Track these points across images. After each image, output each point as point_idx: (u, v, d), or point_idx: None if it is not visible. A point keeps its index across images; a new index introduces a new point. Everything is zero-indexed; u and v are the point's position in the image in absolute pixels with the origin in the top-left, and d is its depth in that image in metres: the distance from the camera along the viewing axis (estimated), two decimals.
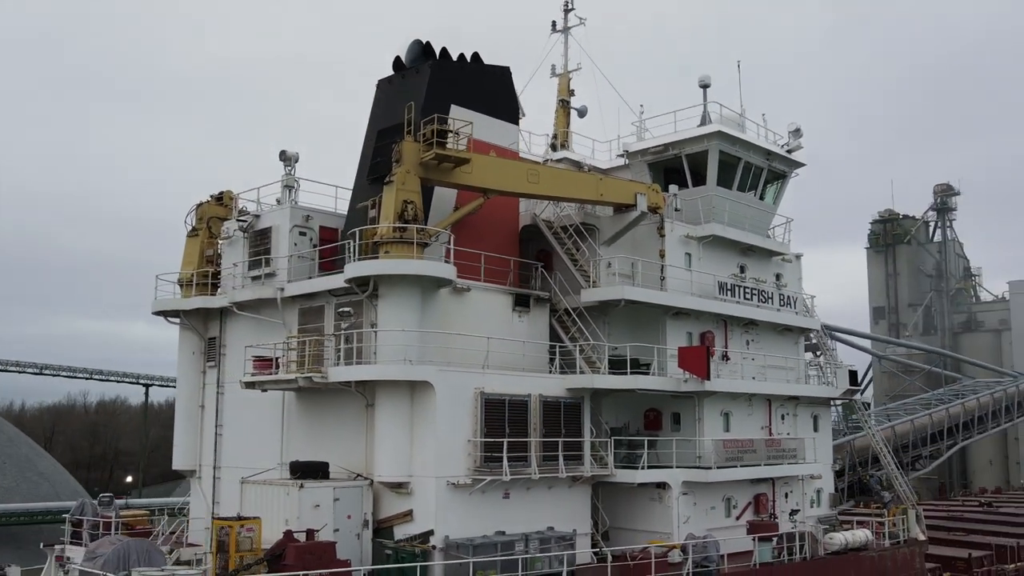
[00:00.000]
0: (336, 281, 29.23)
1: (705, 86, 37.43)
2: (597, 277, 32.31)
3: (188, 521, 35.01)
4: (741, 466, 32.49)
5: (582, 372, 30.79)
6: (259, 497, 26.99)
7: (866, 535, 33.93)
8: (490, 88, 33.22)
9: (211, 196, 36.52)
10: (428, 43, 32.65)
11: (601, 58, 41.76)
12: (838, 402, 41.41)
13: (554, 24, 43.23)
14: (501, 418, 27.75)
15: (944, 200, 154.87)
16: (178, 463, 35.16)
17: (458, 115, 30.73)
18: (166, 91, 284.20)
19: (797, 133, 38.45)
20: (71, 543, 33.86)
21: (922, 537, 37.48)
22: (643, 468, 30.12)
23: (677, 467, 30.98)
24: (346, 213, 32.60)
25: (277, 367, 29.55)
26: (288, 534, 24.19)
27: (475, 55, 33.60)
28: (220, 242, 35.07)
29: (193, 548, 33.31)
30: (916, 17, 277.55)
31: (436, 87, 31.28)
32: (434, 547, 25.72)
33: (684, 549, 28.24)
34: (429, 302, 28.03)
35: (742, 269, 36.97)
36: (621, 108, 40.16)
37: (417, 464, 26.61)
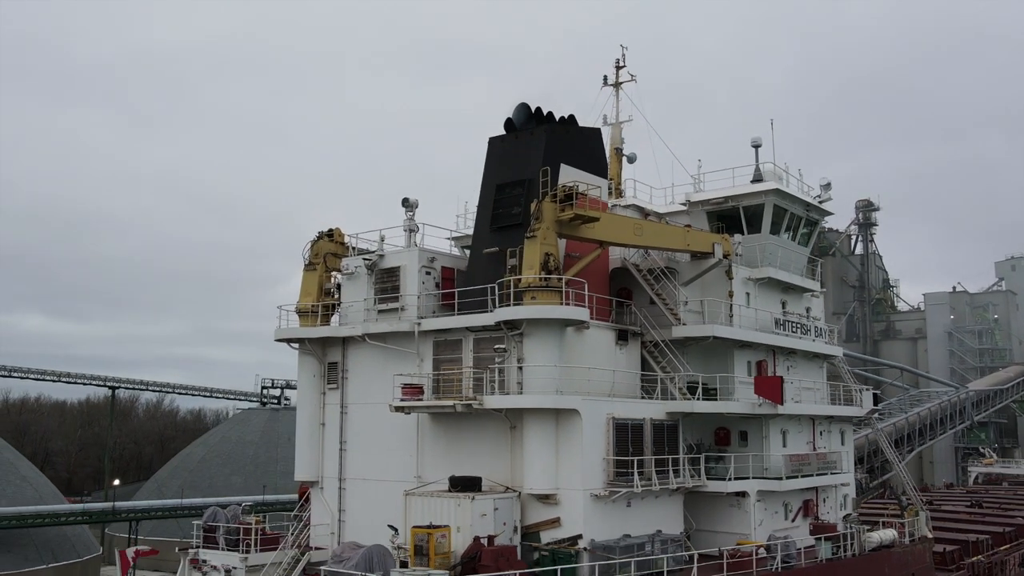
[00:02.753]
0: (475, 319, 33.83)
1: (757, 146, 43.19)
2: (682, 315, 37.62)
3: (310, 527, 38.71)
4: (801, 476, 38.32)
5: (674, 398, 36.03)
6: (425, 508, 31.29)
7: (893, 534, 40.14)
8: (586, 147, 38.15)
9: (321, 232, 40.44)
10: (539, 108, 37.44)
11: (649, 108, 47.10)
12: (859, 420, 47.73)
13: (605, 79, 48.38)
14: (626, 438, 32.84)
15: (866, 215, 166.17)
16: (300, 474, 39.07)
17: (567, 173, 35.82)
18: (85, 80, 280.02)
19: (828, 187, 44.51)
20: (204, 547, 37.52)
21: (930, 535, 43.99)
22: (730, 479, 35.59)
23: (753, 478, 36.53)
24: (468, 255, 37.22)
25: (423, 393, 33.91)
26: (477, 540, 28.80)
27: (571, 116, 38.52)
28: (339, 277, 39.06)
29: (320, 551, 37.43)
30: (835, 31, 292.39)
31: (551, 149, 36.11)
32: (584, 549, 30.61)
33: (769, 548, 33.79)
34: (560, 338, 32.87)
35: (784, 305, 42.80)
36: (665, 153, 45.68)
37: (564, 478, 31.41)
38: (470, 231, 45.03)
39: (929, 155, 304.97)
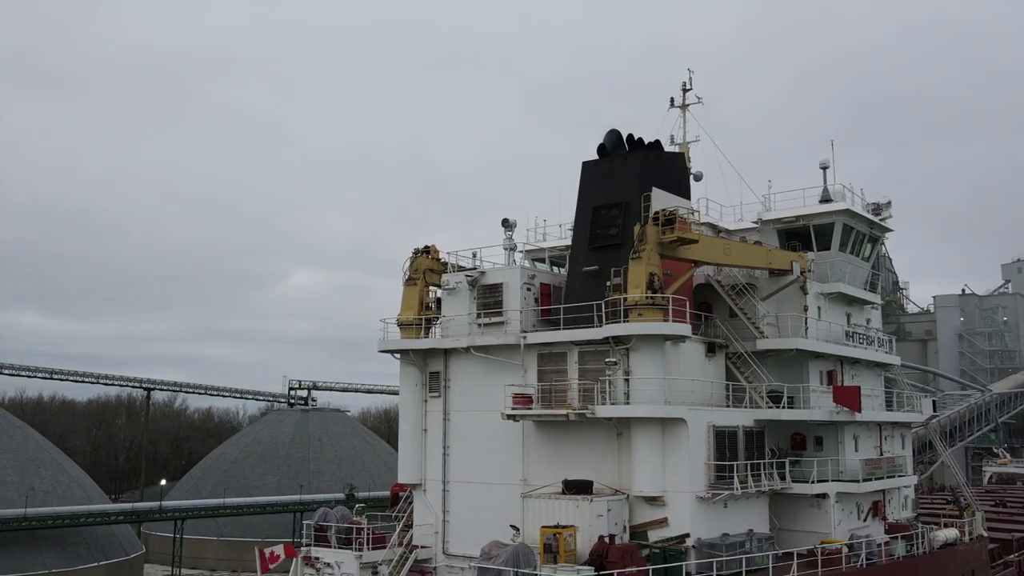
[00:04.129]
0: (582, 334, 36.38)
1: (825, 167, 45.86)
2: (764, 328, 40.22)
3: (413, 526, 41.16)
4: (875, 479, 41.00)
5: (758, 407, 38.65)
6: (543, 509, 33.88)
7: (955, 533, 42.84)
8: (672, 170, 40.77)
9: (417, 249, 42.91)
10: (630, 135, 40.09)
11: (715, 129, 49.57)
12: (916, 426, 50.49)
13: (672, 100, 50.83)
14: (723, 444, 35.49)
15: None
16: (404, 477, 41.56)
17: (658, 196, 38.40)
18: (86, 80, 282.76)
19: (888, 206, 47.17)
20: (316, 545, 39.98)
21: (985, 534, 46.71)
22: (813, 482, 38.25)
23: (832, 480, 39.17)
24: (565, 273, 39.82)
25: (532, 403, 36.46)
26: (602, 539, 31.39)
27: (657, 141, 41.18)
28: (441, 292, 41.57)
29: (426, 549, 39.99)
30: (836, 31, 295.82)
31: (644, 173, 38.73)
32: (692, 547, 33.22)
33: (853, 546, 36.43)
34: None
35: (848, 317, 45.45)
36: (730, 171, 48.22)
37: (671, 482, 34.04)
38: (544, 244, 48.00)
39: (930, 156, 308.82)
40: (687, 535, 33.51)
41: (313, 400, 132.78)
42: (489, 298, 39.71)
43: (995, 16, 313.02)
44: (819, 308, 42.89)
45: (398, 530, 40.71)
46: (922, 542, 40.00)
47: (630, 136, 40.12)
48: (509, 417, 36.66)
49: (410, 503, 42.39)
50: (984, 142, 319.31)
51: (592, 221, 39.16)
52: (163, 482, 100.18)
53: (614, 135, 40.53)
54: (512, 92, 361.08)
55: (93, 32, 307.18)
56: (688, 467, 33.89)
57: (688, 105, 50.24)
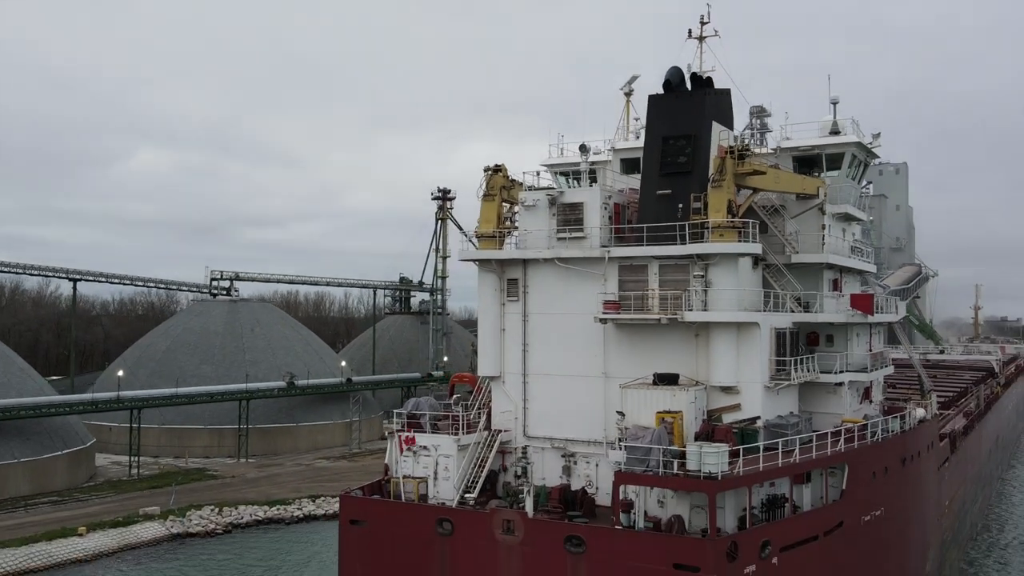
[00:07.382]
0: (664, 250, 42.36)
1: (835, 103, 52.70)
2: (797, 244, 47.30)
3: (492, 413, 46.86)
4: (875, 369, 49.48)
5: (792, 311, 45.97)
6: (641, 399, 40.25)
7: (924, 412, 52.21)
8: (722, 106, 46.63)
9: (487, 168, 47.40)
10: (695, 73, 45.53)
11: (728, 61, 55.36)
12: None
13: (690, 32, 56.09)
14: (779, 343, 42.70)
15: (761, 121, 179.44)
16: (484, 371, 47.01)
17: (716, 129, 44.39)
18: None
19: (878, 136, 54.69)
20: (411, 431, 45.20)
21: (938, 413, 56.57)
22: (837, 372, 46.21)
23: (847, 371, 47.28)
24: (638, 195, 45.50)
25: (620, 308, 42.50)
26: (705, 422, 38.19)
27: (708, 79, 46.84)
28: (518, 208, 46.43)
29: (506, 432, 45.96)
30: None
31: (708, 109, 44.48)
32: (762, 427, 40.52)
33: (868, 425, 44.75)
34: None
35: (844, 232, 53.17)
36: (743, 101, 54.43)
37: (744, 374, 41.03)
38: (564, 160, 53.53)
39: (778, 57, 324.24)
40: (758, 417, 40.77)
41: (236, 291, 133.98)
42: (569, 215, 44.94)
43: None
44: (829, 226, 50.24)
45: (484, 415, 46.25)
46: (908, 420, 48.94)
47: (693, 74, 45.59)
48: (601, 320, 42.57)
49: (477, 394, 47.88)
50: (827, 45, 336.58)
51: (662, 150, 44.68)
52: (120, 373, 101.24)
53: (677, 72, 45.84)
54: None
55: None
56: (759, 362, 40.95)
57: (705, 37, 55.80)
